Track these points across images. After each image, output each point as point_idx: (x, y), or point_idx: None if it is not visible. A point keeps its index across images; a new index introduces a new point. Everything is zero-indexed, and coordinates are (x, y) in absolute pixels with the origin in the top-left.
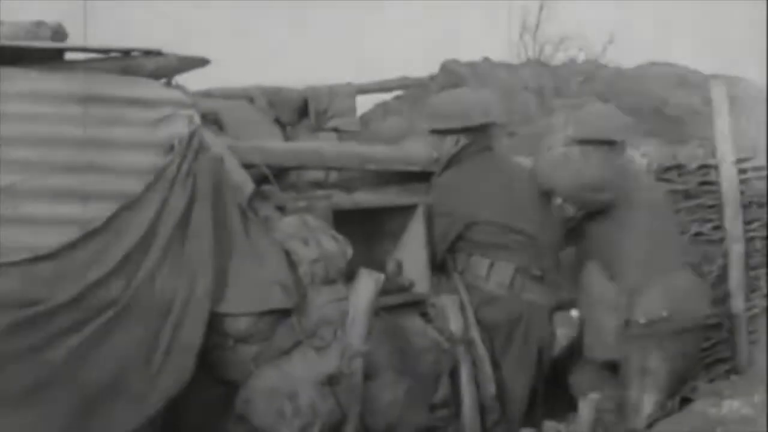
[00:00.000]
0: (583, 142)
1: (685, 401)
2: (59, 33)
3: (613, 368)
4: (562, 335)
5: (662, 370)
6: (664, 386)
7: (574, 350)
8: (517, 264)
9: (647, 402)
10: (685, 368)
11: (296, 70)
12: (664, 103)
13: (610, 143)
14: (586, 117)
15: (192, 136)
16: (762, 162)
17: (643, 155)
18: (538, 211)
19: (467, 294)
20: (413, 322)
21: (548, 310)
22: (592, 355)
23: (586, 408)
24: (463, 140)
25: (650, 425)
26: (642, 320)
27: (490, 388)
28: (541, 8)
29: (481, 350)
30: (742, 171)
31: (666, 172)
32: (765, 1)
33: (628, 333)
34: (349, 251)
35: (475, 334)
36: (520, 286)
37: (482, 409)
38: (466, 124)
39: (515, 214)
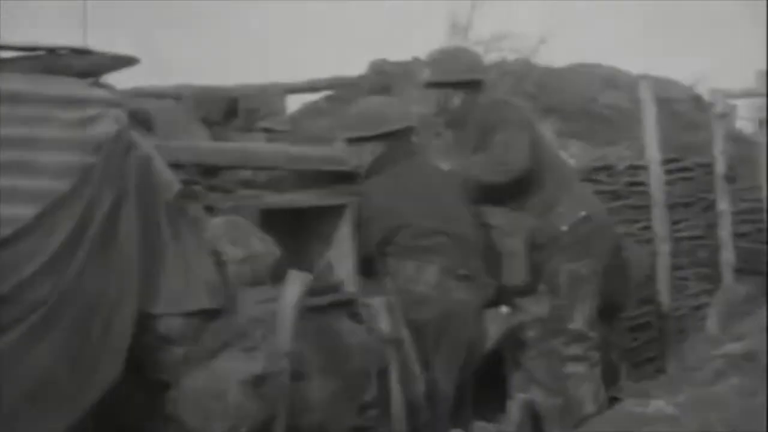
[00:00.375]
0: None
1: (613, 401)
2: None
3: None
4: (493, 332)
5: (593, 275)
6: (597, 292)
7: (505, 349)
8: (444, 265)
9: (580, 311)
10: (610, 277)
11: (228, 69)
12: (593, 103)
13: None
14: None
15: (119, 135)
16: (688, 163)
17: (571, 156)
18: (461, 213)
19: (396, 295)
20: (342, 323)
21: (477, 308)
22: (513, 282)
23: (515, 408)
24: (382, 147)
25: (579, 423)
26: (564, 227)
27: (420, 388)
28: (472, 8)
29: (411, 350)
30: (669, 172)
31: (594, 172)
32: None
33: (554, 247)
34: (278, 252)
35: (404, 333)
36: (449, 287)
37: (411, 410)
38: (382, 130)
39: (440, 216)
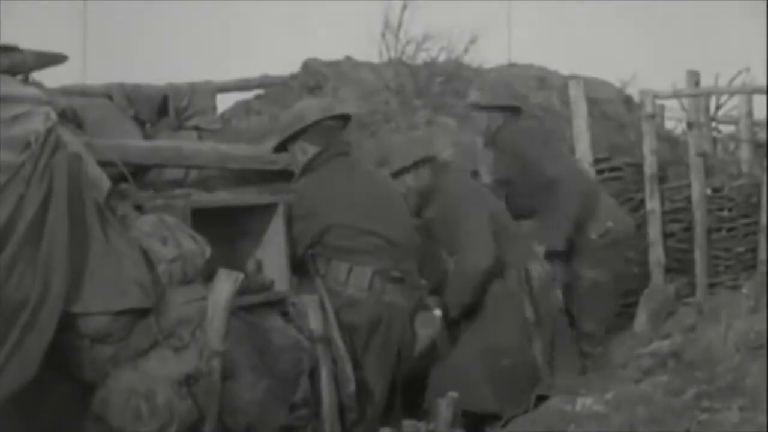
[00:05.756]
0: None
1: (541, 399)
2: None
3: None
4: (425, 335)
5: (610, 281)
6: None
7: (436, 350)
8: (376, 267)
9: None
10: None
11: (158, 67)
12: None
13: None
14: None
15: (48, 133)
16: (618, 163)
17: None
18: (395, 214)
19: (328, 295)
20: (273, 322)
21: (408, 311)
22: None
23: (444, 407)
24: (314, 148)
25: (506, 423)
26: (593, 236)
27: (350, 387)
28: (403, 7)
29: (341, 349)
30: (599, 172)
31: None
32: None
33: (584, 251)
34: (208, 250)
35: (335, 333)
36: (380, 289)
37: (342, 409)
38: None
39: (372, 217)
